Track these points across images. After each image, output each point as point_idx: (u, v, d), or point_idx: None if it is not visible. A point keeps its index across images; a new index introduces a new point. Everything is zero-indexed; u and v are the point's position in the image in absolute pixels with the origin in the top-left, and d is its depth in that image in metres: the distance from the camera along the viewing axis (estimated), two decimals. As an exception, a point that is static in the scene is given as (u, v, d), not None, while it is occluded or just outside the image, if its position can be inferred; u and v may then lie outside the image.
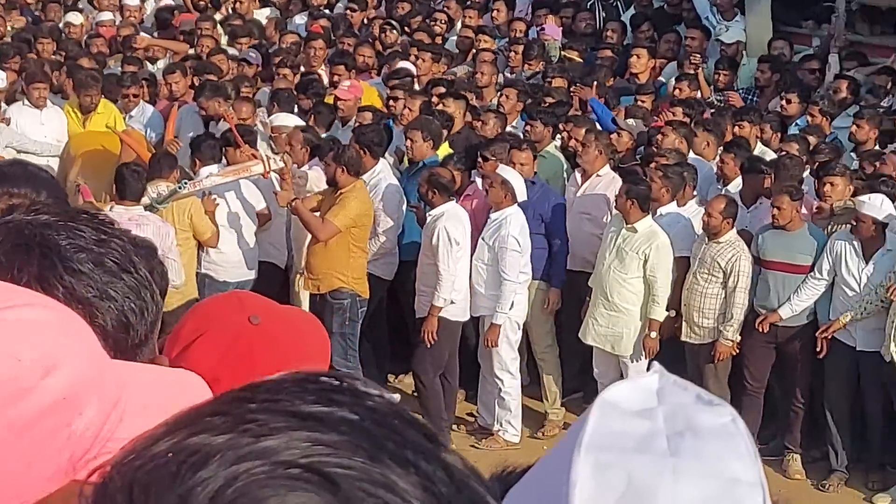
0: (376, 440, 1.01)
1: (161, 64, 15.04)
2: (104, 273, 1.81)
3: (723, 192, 10.82)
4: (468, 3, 16.46)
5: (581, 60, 14.50)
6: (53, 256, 1.79)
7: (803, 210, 10.37)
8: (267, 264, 11.36)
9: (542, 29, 15.08)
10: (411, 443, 1.02)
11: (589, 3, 16.13)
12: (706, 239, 10.26)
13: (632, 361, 10.44)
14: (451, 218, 10.43)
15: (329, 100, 12.96)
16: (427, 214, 10.63)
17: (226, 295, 2.79)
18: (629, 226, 10.26)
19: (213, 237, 10.77)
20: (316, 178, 11.21)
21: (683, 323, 10.44)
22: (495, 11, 16.07)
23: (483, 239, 10.53)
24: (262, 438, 0.98)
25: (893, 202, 10.15)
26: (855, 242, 10.01)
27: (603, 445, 1.20)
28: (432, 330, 10.40)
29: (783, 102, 12.88)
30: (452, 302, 10.43)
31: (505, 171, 10.48)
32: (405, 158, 11.88)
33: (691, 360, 10.54)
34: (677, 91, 13.25)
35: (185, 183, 10.57)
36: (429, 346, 10.47)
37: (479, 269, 10.56)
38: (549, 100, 12.79)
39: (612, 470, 1.18)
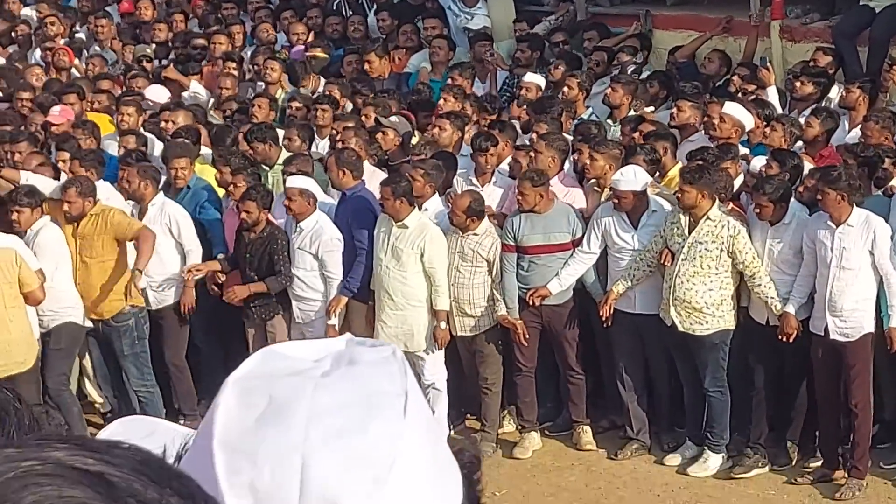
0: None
1: None
2: None
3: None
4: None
5: (327, 56, 14.48)
6: None
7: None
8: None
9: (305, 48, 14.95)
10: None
11: (335, 4, 16.05)
12: (459, 232, 10.27)
13: (427, 354, 10.40)
14: None
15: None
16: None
17: None
18: (399, 223, 10.19)
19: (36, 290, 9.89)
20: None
21: (454, 318, 10.41)
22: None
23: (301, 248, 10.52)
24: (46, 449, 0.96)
25: (656, 165, 10.31)
26: (622, 214, 10.07)
27: (254, 376, 1.23)
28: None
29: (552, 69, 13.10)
30: None
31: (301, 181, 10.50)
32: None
33: (466, 350, 10.61)
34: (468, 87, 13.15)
35: None
36: None
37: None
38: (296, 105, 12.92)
39: (255, 392, 1.20)
